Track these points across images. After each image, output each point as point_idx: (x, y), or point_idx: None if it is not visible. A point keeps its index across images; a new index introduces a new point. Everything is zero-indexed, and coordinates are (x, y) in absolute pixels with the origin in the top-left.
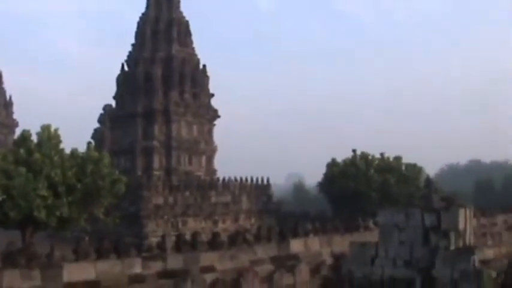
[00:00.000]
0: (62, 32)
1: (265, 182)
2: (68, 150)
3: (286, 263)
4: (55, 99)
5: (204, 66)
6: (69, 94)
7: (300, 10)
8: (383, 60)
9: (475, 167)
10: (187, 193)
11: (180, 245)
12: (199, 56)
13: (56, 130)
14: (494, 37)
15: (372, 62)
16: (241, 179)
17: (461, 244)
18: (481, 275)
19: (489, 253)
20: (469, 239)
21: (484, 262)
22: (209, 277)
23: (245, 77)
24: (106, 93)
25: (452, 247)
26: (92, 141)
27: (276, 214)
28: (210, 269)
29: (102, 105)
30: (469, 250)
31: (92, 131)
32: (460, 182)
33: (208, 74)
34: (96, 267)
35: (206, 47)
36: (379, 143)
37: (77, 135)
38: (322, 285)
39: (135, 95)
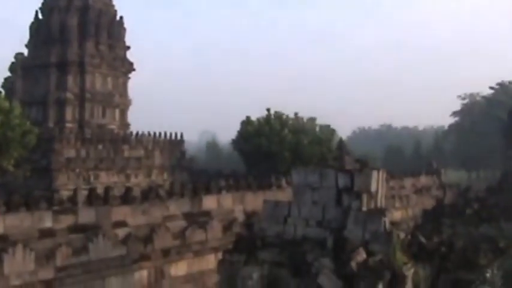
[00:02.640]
0: None
1: (178, 138)
2: None
3: (199, 219)
4: None
5: (121, 18)
6: None
7: None
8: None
9: (386, 131)
10: (100, 146)
11: (91, 199)
12: (116, 8)
13: None
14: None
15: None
16: (154, 134)
17: (373, 206)
18: (391, 236)
19: (397, 215)
20: (381, 201)
21: (393, 224)
22: (121, 232)
23: (165, 34)
24: (20, 41)
25: (364, 208)
26: (2, 90)
27: (188, 170)
28: (122, 224)
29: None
30: (380, 212)
31: (2, 81)
32: (371, 145)
33: (125, 26)
34: (5, 221)
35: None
36: (293, 104)
37: None
38: (234, 242)
39: (48, 45)
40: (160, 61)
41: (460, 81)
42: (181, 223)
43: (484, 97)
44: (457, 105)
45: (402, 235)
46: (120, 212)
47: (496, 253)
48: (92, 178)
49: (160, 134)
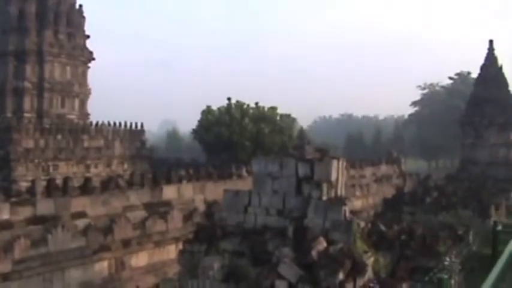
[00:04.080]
0: None
1: (138, 127)
2: None
3: (159, 209)
4: None
5: (81, 6)
6: None
7: None
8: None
9: (346, 120)
10: (59, 137)
11: (50, 190)
12: None
13: None
14: None
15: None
16: (114, 123)
17: (333, 195)
18: (351, 225)
19: (358, 204)
20: (341, 190)
21: (353, 212)
22: (81, 223)
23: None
24: None
25: (325, 197)
26: None
27: (149, 160)
28: (81, 214)
29: None
30: (340, 201)
31: None
32: (331, 134)
33: (85, 14)
34: None
35: None
36: (255, 94)
37: None
38: (194, 232)
39: (6, 33)
40: (120, 50)
41: (420, 71)
42: (141, 213)
43: (443, 87)
44: (417, 95)
45: (362, 224)
46: (80, 203)
47: (454, 240)
48: (51, 169)
49: (120, 123)
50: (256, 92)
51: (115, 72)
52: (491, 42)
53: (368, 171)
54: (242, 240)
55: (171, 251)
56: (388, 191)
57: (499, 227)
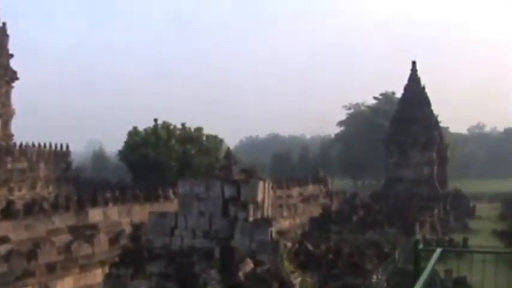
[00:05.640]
0: None
1: (64, 148)
2: None
3: (85, 232)
4: None
5: (4, 24)
6: None
7: None
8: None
9: (273, 140)
10: None
11: None
12: None
13: None
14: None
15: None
16: (39, 144)
17: (259, 216)
18: (277, 245)
19: (285, 224)
20: (267, 210)
21: (280, 233)
22: (3, 248)
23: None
24: None
25: (251, 218)
26: None
27: (74, 182)
28: (3, 239)
29: None
30: (266, 222)
31: None
32: (258, 154)
33: (8, 33)
34: None
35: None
36: (181, 114)
37: None
38: (120, 255)
39: None
40: (45, 69)
41: (346, 92)
42: (66, 237)
43: (368, 107)
44: (342, 115)
45: (289, 244)
46: (2, 227)
47: (381, 258)
48: None
49: (45, 144)
50: (182, 112)
51: (40, 91)
52: (414, 63)
53: (295, 191)
54: (169, 263)
55: (98, 275)
56: (315, 211)
57: (421, 246)
